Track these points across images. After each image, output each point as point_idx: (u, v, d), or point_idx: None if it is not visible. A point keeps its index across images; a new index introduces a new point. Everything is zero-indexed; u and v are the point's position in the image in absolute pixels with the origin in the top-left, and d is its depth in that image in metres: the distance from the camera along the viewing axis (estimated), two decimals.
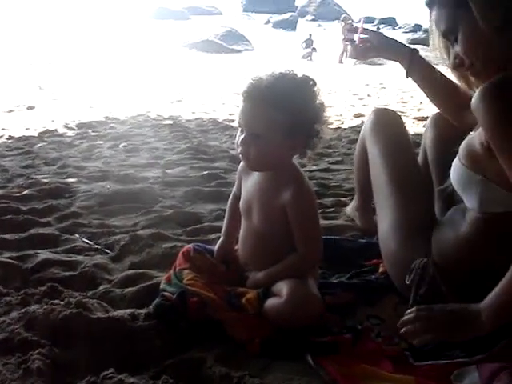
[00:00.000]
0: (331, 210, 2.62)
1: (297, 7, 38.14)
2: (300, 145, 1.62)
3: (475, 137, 1.49)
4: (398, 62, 1.99)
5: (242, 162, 1.74)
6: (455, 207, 1.67)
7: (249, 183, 1.73)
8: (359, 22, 2.11)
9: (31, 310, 1.56)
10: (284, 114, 1.53)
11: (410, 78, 1.96)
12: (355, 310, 1.70)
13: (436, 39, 1.57)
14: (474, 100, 1.36)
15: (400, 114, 6.66)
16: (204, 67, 13.25)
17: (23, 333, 1.47)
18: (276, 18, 31.93)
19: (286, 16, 31.64)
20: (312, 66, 14.63)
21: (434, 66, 1.91)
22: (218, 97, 7.88)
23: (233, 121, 5.81)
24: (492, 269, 1.42)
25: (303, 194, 1.62)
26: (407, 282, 1.62)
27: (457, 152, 1.57)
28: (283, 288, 1.55)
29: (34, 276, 1.93)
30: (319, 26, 32.05)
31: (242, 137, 1.59)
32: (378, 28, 20.25)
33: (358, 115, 6.49)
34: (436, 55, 1.62)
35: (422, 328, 1.44)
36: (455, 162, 1.57)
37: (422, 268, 1.60)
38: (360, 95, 8.59)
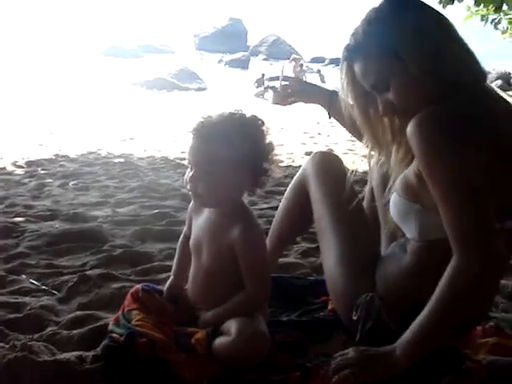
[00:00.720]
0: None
1: (249, 47, 38.70)
2: (248, 183, 1.65)
3: (410, 168, 1.55)
4: (319, 105, 2.11)
5: (192, 202, 1.76)
6: (395, 242, 1.73)
7: (199, 222, 1.74)
8: (280, 71, 2.20)
9: None
10: (232, 152, 1.57)
11: (332, 118, 2.09)
12: (305, 348, 1.71)
13: (353, 93, 1.62)
14: (410, 129, 1.41)
15: (349, 151, 6.76)
16: (156, 105, 13.26)
17: None
18: (228, 57, 32.29)
19: (239, 55, 32.00)
20: (265, 105, 14.79)
21: None
22: (170, 135, 7.89)
23: (184, 159, 5.82)
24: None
25: (251, 232, 1.64)
26: (354, 318, 1.64)
27: None
28: (231, 326, 1.55)
29: None
30: (271, 64, 32.55)
31: (190, 174, 1.61)
32: (319, 71, 20.83)
33: (308, 153, 6.57)
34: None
35: (344, 376, 1.45)
36: (393, 197, 1.61)
37: (368, 303, 1.62)
38: (311, 133, 8.72)
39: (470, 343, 1.71)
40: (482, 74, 1.55)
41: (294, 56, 19.55)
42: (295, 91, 2.13)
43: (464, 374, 1.54)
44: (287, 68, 2.40)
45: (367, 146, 1.75)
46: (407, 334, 1.43)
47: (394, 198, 1.61)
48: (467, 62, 1.51)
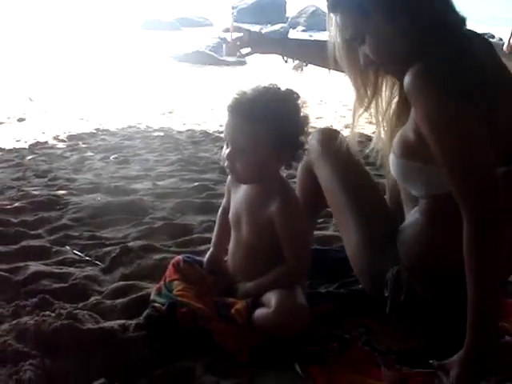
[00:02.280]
0: (320, 220, 2.64)
1: (288, 18, 38.30)
2: (285, 157, 1.65)
3: (407, 126, 1.52)
4: (274, 54, 2.15)
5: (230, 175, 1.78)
6: (406, 209, 1.73)
7: (237, 195, 1.75)
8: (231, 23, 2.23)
9: (22, 322, 1.58)
10: (268, 128, 1.56)
11: (288, 60, 2.14)
12: (343, 320, 1.72)
13: (339, 45, 1.60)
14: (408, 84, 1.38)
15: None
16: (195, 78, 13.26)
17: (14, 344, 1.49)
18: (267, 29, 32.05)
19: (277, 27, 31.70)
20: (303, 77, 14.68)
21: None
22: (208, 108, 7.88)
23: (223, 132, 5.83)
24: (457, 254, 1.41)
25: (290, 205, 1.64)
26: (386, 295, 1.63)
27: None
28: (272, 298, 1.57)
29: (25, 288, 1.94)
30: (310, 36, 32.22)
31: (227, 151, 1.61)
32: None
33: (348, 126, 6.52)
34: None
35: None
36: (391, 158, 1.60)
37: (395, 276, 1.61)
38: (350, 106, 8.61)
39: (508, 317, 1.70)
40: (460, 20, 1.51)
41: None
42: (245, 41, 2.14)
43: (502, 348, 1.53)
44: None
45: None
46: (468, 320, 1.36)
47: (392, 160, 1.59)
48: (441, 7, 1.48)
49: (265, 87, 1.61)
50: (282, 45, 2.13)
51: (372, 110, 1.72)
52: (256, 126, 1.56)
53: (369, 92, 1.68)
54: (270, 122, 1.56)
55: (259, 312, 1.58)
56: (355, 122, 1.77)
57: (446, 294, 1.53)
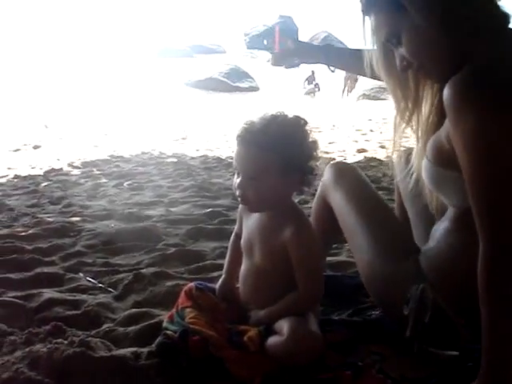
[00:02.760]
0: (333, 246, 2.63)
1: None
2: (296, 183, 1.65)
3: (441, 132, 1.44)
4: (319, 63, 2.11)
5: None
6: (437, 223, 1.64)
7: (250, 222, 1.76)
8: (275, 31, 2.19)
9: (35, 350, 1.57)
10: (277, 156, 1.57)
11: (333, 70, 2.11)
12: (356, 347, 1.70)
13: (376, 53, 1.52)
14: (447, 94, 1.28)
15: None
16: (208, 105, 13.37)
17: (27, 372, 1.48)
18: None
19: None
20: (315, 103, 14.74)
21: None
22: (221, 134, 7.96)
23: None
24: None
25: (304, 231, 1.64)
26: (405, 313, 1.55)
27: None
28: (284, 326, 1.56)
29: (38, 315, 1.94)
30: None
31: (238, 180, 1.62)
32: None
33: (361, 150, 6.54)
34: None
35: None
36: (424, 163, 1.53)
37: (420, 294, 1.53)
38: (363, 130, 8.65)
39: None
40: (505, 17, 1.38)
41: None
42: (292, 50, 2.12)
43: None
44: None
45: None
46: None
47: (426, 166, 1.52)
48: (486, 6, 1.37)
49: (272, 115, 1.62)
50: (325, 53, 2.09)
51: (413, 123, 1.62)
52: (265, 155, 1.57)
53: (410, 105, 1.58)
54: (279, 149, 1.57)
55: (272, 340, 1.57)
56: (396, 138, 1.68)
57: (475, 317, 1.40)
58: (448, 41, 1.35)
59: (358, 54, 1.81)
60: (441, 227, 1.58)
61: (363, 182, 1.86)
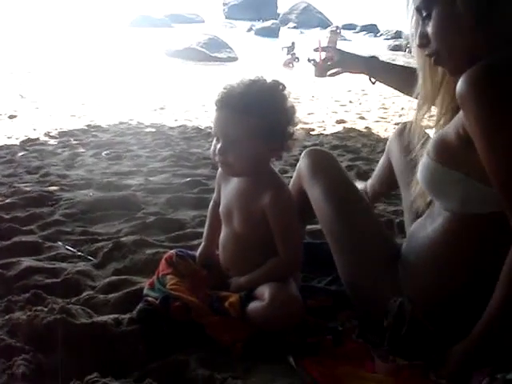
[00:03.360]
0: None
1: (279, 15, 38.29)
2: (276, 147, 1.65)
3: (450, 128, 1.38)
4: (362, 74, 2.08)
5: (219, 169, 1.77)
6: (420, 220, 1.60)
7: (228, 189, 1.76)
8: (318, 42, 2.18)
9: (15, 317, 1.57)
10: (258, 119, 1.57)
11: (375, 82, 2.07)
12: (336, 313, 1.73)
13: (411, 16, 1.46)
14: (460, 86, 1.25)
15: (381, 119, 6.68)
16: (186, 75, 13.25)
17: (7, 339, 1.48)
18: (258, 25, 32.02)
19: (268, 23, 31.72)
20: (294, 74, 14.66)
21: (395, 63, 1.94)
22: (200, 104, 7.89)
23: None
24: (478, 285, 1.39)
25: (282, 198, 1.64)
26: (385, 325, 1.51)
27: None
28: (265, 291, 1.58)
29: (17, 283, 1.93)
30: (301, 33, 32.19)
31: (218, 145, 1.61)
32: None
33: (340, 121, 6.53)
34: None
35: None
36: (424, 161, 1.46)
37: (398, 307, 1.48)
38: (342, 101, 8.63)
39: None
40: None
41: (331, 28, 19.24)
42: (336, 62, 2.10)
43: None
44: (324, 39, 2.39)
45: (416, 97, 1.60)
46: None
47: (426, 163, 1.44)
48: None
49: (251, 80, 1.62)
50: (369, 66, 2.08)
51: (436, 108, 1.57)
52: (247, 118, 1.56)
53: (435, 85, 1.52)
54: (260, 112, 1.57)
55: (253, 305, 1.58)
56: (419, 117, 1.62)
57: (449, 325, 1.45)
58: (476, 34, 1.30)
59: (406, 70, 1.82)
60: (425, 233, 1.51)
61: (341, 176, 1.83)
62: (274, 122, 1.60)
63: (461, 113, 1.31)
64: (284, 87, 1.65)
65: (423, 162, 1.46)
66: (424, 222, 1.56)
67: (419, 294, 1.48)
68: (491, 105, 1.21)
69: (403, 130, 1.96)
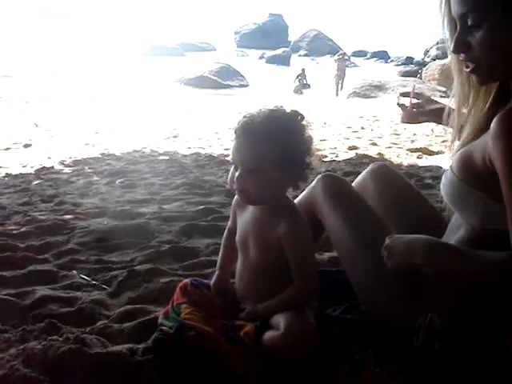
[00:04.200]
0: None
1: (290, 42, 38.64)
2: (293, 177, 1.65)
3: (476, 149, 1.41)
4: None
5: (235, 197, 1.78)
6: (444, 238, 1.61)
7: (244, 217, 1.76)
8: (411, 88, 2.15)
9: (30, 347, 1.57)
10: (277, 148, 1.57)
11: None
12: (351, 342, 1.71)
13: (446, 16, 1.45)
14: (496, 122, 1.29)
15: (393, 145, 6.68)
16: (199, 103, 13.36)
17: (22, 369, 1.48)
18: (269, 53, 32.31)
19: (279, 51, 32.02)
20: (306, 100, 14.73)
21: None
22: (213, 132, 7.94)
23: (228, 155, 5.87)
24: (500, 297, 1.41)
25: (298, 226, 1.64)
26: (416, 344, 1.52)
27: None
28: (281, 321, 1.57)
29: (32, 312, 1.93)
30: (312, 60, 32.43)
31: (237, 173, 1.62)
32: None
33: (352, 148, 6.55)
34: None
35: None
36: (448, 175, 1.50)
37: (428, 325, 1.50)
38: (354, 128, 8.67)
39: None
40: None
41: (338, 56, 19.41)
42: (425, 111, 2.06)
43: None
44: (415, 86, 2.40)
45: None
46: (443, 245, 1.45)
47: (449, 177, 1.49)
48: None
49: (271, 110, 1.63)
50: None
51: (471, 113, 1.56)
52: (266, 146, 1.57)
53: (472, 90, 1.52)
54: (279, 142, 1.58)
55: (268, 334, 1.58)
56: (456, 123, 1.61)
57: (476, 338, 1.47)
58: None
59: None
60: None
61: (358, 200, 1.82)
62: (293, 152, 1.60)
63: (490, 141, 1.32)
64: (303, 117, 1.66)
65: (446, 176, 1.50)
66: (445, 237, 1.59)
67: (445, 309, 1.50)
68: None
69: (377, 172, 1.98)
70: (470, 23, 1.35)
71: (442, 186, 1.53)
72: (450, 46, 1.42)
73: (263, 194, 1.63)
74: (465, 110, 1.57)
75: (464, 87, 1.53)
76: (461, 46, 1.38)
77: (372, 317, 1.71)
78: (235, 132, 1.62)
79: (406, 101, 2.10)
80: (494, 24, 1.32)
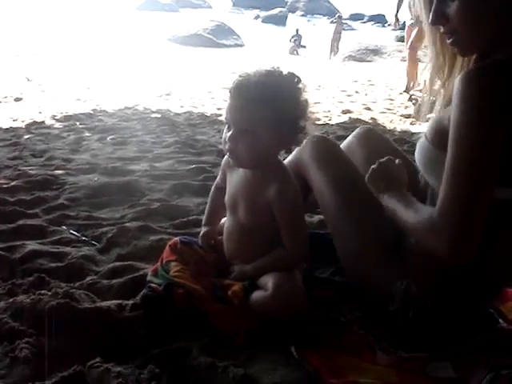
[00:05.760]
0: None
1: (287, 2, 38.12)
2: (286, 140, 1.64)
3: (446, 114, 1.40)
4: None
5: (225, 156, 1.76)
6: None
7: (234, 178, 1.75)
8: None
9: (18, 300, 1.57)
10: (272, 110, 1.55)
11: None
12: (338, 304, 1.73)
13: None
14: (456, 82, 1.29)
15: (387, 110, 6.65)
16: (193, 61, 13.22)
17: (10, 322, 1.49)
18: (266, 13, 31.88)
19: (276, 11, 31.61)
20: (301, 62, 14.61)
21: None
22: (206, 91, 7.87)
23: (221, 115, 5.82)
24: (475, 266, 1.40)
25: (288, 190, 1.64)
26: (391, 309, 1.53)
27: None
28: (269, 281, 1.57)
29: (21, 267, 1.94)
30: (309, 21, 32.06)
31: (229, 133, 1.60)
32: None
33: (345, 111, 6.52)
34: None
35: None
36: (421, 143, 1.51)
37: (405, 291, 1.51)
38: (348, 92, 8.61)
39: (506, 303, 1.71)
40: None
41: (334, 19, 19.17)
42: None
43: (497, 333, 1.54)
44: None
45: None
46: (398, 194, 1.49)
47: (422, 145, 1.50)
48: None
49: (268, 70, 1.60)
50: None
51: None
52: (260, 107, 1.55)
53: (447, 61, 1.51)
54: (275, 104, 1.56)
55: (256, 295, 1.59)
56: (429, 93, 1.59)
57: (449, 305, 1.48)
58: (499, 22, 1.31)
59: None
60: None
61: (347, 163, 1.81)
62: (287, 115, 1.59)
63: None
64: (299, 80, 1.63)
65: (420, 142, 1.51)
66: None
67: (421, 276, 1.50)
68: (466, 101, 1.26)
69: (364, 136, 1.98)
70: None
71: (416, 153, 1.53)
72: (428, 18, 1.41)
73: (255, 156, 1.61)
74: (439, 82, 1.56)
75: (439, 59, 1.52)
76: (439, 18, 1.37)
77: (352, 280, 1.72)
78: (230, 91, 1.60)
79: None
80: None
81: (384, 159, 1.58)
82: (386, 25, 32.20)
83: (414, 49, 7.37)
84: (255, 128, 1.57)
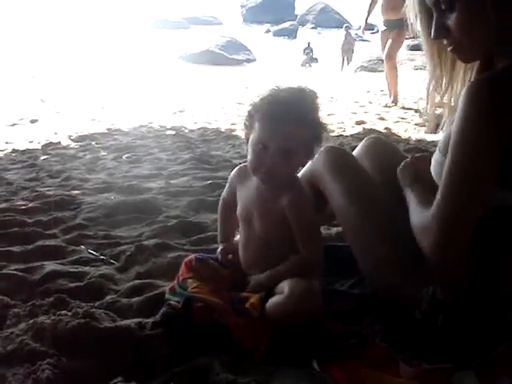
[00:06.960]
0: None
1: (296, 16, 38.25)
2: (311, 155, 1.69)
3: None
4: None
5: (234, 170, 1.78)
6: None
7: (245, 191, 1.76)
8: None
9: (39, 321, 1.57)
10: (309, 129, 1.62)
11: None
12: (360, 317, 1.71)
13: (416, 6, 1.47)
14: (463, 93, 1.31)
15: (401, 120, 6.62)
16: (205, 77, 13.28)
17: (31, 343, 1.49)
18: (276, 27, 32.03)
19: (286, 25, 31.74)
20: (313, 74, 14.63)
21: None
22: (219, 106, 7.90)
23: (235, 130, 5.84)
24: (494, 271, 1.42)
25: (301, 198, 1.67)
26: (418, 317, 1.52)
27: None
28: (285, 286, 1.58)
29: (41, 287, 1.95)
30: (319, 33, 32.14)
31: (271, 154, 1.60)
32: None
33: (359, 122, 6.50)
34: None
35: None
36: (436, 156, 1.53)
37: (431, 297, 1.50)
38: (361, 102, 8.58)
39: None
40: None
41: (344, 31, 19.20)
42: None
43: None
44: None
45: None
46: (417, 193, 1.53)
47: (438, 159, 1.51)
48: None
49: (298, 88, 1.64)
50: None
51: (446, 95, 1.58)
52: (300, 128, 1.60)
53: (444, 74, 1.55)
54: (310, 123, 1.62)
55: (272, 300, 1.58)
56: (429, 107, 1.63)
57: (484, 312, 1.48)
58: (497, 27, 1.32)
59: None
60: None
61: (362, 173, 1.81)
62: (317, 132, 1.65)
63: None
64: (317, 95, 1.68)
65: (435, 158, 1.53)
66: None
67: (447, 282, 1.50)
68: (465, 110, 1.29)
69: (372, 146, 1.99)
70: (443, 7, 1.37)
71: (432, 168, 1.56)
72: (428, 34, 1.45)
73: (291, 174, 1.67)
74: (439, 94, 1.58)
75: (436, 71, 1.55)
76: (440, 31, 1.40)
77: (375, 291, 1.72)
78: (266, 112, 1.60)
79: None
80: (465, 3, 1.34)
81: (419, 154, 1.65)
82: None
83: (392, 58, 7.35)
84: (296, 148, 1.61)
